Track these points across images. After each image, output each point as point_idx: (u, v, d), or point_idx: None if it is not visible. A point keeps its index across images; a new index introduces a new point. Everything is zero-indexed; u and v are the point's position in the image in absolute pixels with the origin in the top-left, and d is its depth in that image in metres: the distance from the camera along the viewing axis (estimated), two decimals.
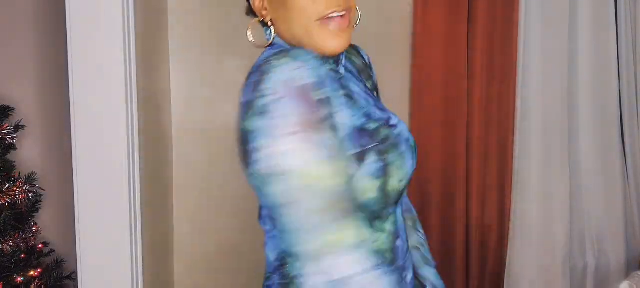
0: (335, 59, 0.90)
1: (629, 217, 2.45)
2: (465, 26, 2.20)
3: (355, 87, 0.92)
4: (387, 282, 0.79)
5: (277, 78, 0.74)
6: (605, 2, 2.35)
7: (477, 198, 2.27)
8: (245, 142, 0.76)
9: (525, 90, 2.31)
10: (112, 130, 1.70)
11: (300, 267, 0.77)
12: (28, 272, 2.05)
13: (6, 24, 2.28)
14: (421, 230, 1.11)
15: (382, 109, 0.93)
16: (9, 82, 2.26)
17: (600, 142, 2.40)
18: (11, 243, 2.01)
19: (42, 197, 2.22)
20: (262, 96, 0.74)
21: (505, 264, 2.34)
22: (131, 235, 1.75)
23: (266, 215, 0.90)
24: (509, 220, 2.32)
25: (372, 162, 0.82)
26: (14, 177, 2.10)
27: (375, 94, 1.05)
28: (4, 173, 2.07)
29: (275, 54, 0.77)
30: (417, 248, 1.07)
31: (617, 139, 2.41)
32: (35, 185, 2.14)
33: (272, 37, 0.90)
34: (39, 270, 2.07)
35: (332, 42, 0.85)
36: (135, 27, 1.70)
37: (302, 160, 0.73)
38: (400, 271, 0.88)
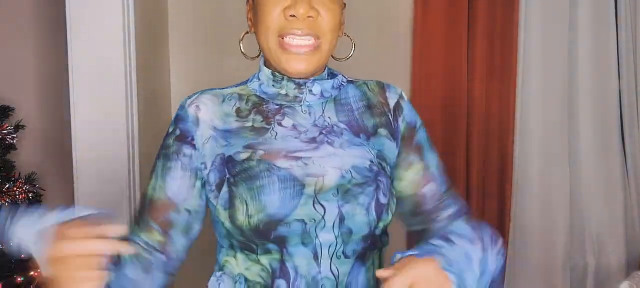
0: (296, 82, 0.89)
1: (629, 217, 2.45)
2: (465, 26, 2.20)
3: (302, 118, 0.89)
4: None
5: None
6: (605, 2, 2.35)
7: (477, 198, 2.27)
8: None
9: (525, 90, 2.31)
10: (112, 130, 1.71)
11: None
12: (28, 272, 2.04)
13: (6, 24, 2.27)
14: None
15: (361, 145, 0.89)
16: (9, 82, 2.26)
17: (600, 142, 2.39)
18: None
19: (42, 197, 2.22)
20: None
21: (505, 264, 2.34)
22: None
23: None
24: (509, 220, 2.32)
25: (224, 192, 0.85)
26: (14, 177, 2.09)
27: (387, 133, 0.94)
28: (4, 173, 2.07)
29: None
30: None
31: (617, 139, 2.41)
32: (35, 185, 2.14)
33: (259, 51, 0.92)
34: (39, 270, 2.07)
35: (289, 64, 0.85)
36: (135, 27, 1.70)
37: None
38: None
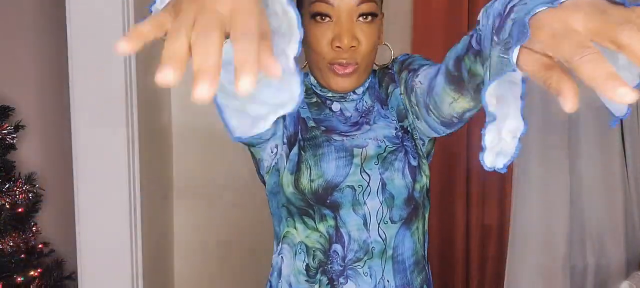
0: (340, 94, 1.01)
1: (629, 217, 2.45)
2: (465, 23, 2.20)
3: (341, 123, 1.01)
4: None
5: None
6: None
7: (477, 198, 2.27)
8: None
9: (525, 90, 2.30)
10: (112, 130, 1.71)
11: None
12: (28, 272, 2.05)
13: (6, 24, 2.28)
14: None
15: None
16: (9, 82, 2.26)
17: (600, 142, 2.40)
18: (11, 243, 2.01)
19: (42, 197, 2.22)
20: None
21: (505, 264, 2.34)
22: (131, 235, 1.75)
23: None
24: (509, 220, 2.32)
25: (294, 154, 0.95)
26: (14, 177, 2.10)
27: (403, 97, 1.00)
28: (4, 174, 2.07)
29: None
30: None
31: (617, 139, 2.41)
32: (35, 185, 2.14)
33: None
34: (39, 270, 2.07)
35: (337, 84, 0.97)
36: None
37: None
38: (333, 275, 0.96)
